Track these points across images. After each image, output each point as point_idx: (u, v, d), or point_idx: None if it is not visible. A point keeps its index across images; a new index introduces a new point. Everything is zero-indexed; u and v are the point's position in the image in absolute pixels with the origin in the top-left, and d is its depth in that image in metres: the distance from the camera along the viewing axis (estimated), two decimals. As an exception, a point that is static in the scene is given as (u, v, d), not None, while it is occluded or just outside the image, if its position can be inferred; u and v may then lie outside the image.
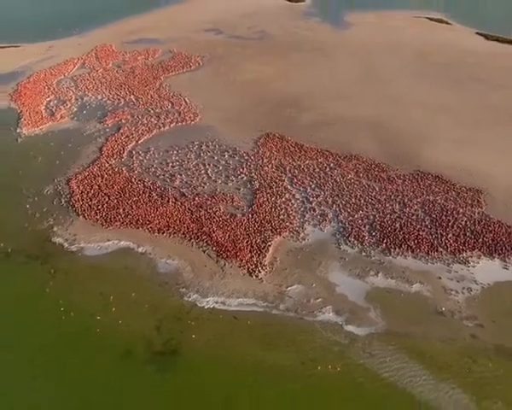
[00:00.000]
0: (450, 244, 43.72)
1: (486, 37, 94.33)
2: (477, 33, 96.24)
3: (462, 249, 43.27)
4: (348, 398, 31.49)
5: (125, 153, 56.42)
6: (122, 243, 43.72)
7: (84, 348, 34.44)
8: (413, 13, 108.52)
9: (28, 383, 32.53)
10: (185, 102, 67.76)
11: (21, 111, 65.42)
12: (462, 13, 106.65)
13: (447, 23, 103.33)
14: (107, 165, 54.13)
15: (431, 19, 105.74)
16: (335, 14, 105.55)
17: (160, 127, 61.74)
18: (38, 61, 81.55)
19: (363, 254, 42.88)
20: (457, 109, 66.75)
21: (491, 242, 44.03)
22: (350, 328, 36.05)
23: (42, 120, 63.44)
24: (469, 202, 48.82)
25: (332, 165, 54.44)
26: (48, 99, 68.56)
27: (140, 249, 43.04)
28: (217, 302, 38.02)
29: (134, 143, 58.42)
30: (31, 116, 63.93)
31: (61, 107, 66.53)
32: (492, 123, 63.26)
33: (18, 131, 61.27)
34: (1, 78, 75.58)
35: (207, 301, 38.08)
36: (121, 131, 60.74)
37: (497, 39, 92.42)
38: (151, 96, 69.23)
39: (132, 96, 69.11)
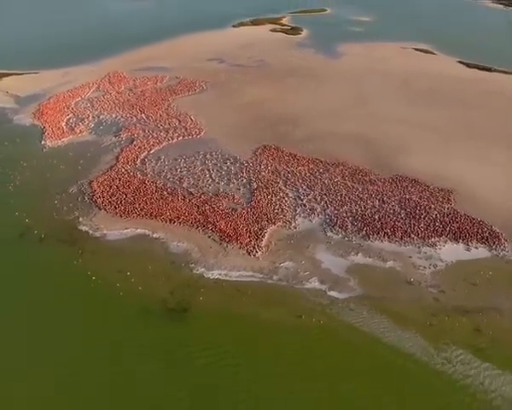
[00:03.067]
0: (422, 232, 52.91)
1: (468, 65, 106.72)
2: (459, 62, 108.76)
3: (432, 236, 52.43)
4: (328, 342, 39.87)
5: (139, 160, 66.32)
6: (139, 230, 52.87)
7: (109, 305, 43.11)
8: (401, 44, 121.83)
9: (64, 333, 40.92)
10: (191, 119, 78.47)
11: (44, 127, 75.95)
12: (446, 44, 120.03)
13: (432, 53, 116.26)
14: (123, 170, 63.91)
15: (417, 49, 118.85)
16: (328, 46, 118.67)
17: (168, 140, 72.01)
18: (56, 85, 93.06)
19: (346, 239, 51.98)
20: (436, 126, 77.27)
21: (456, 230, 53.26)
22: (332, 293, 44.71)
23: (63, 134, 73.86)
24: (440, 199, 58.34)
25: (321, 170, 64.27)
26: (67, 117, 79.31)
27: (154, 235, 52.11)
28: (220, 274, 46.80)
29: (146, 152, 68.46)
30: (53, 131, 74.40)
31: (80, 123, 77.17)
32: (465, 137, 73.63)
33: (42, 143, 71.48)
34: (23, 100, 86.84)
35: (212, 274, 46.88)
36: (134, 143, 70.98)
37: (477, 67, 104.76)
38: (160, 115, 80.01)
39: (143, 115, 79.89)
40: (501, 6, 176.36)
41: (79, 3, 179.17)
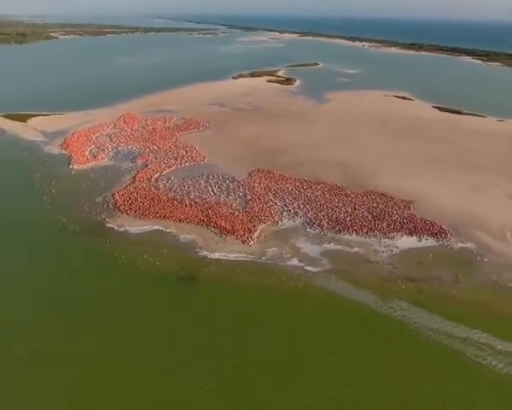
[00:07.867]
0: (384, 228, 68.39)
1: (440, 109, 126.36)
2: (433, 106, 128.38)
3: (391, 232, 67.84)
4: (303, 296, 54.29)
5: (153, 180, 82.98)
6: (154, 226, 68.42)
7: (133, 274, 57.83)
8: (383, 92, 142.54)
9: (97, 296, 55.48)
10: (196, 150, 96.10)
11: (71, 155, 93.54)
12: (424, 92, 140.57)
13: (410, 99, 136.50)
14: (139, 186, 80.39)
15: (397, 96, 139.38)
16: (318, 93, 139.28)
17: (177, 165, 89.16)
18: (78, 123, 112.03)
19: (322, 233, 67.41)
20: (404, 156, 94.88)
21: (412, 228, 68.77)
22: (308, 268, 59.53)
23: (87, 160, 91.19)
24: (402, 207, 74.31)
25: (305, 187, 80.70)
26: (90, 147, 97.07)
27: (167, 230, 67.56)
28: (220, 255, 61.82)
29: (159, 174, 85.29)
30: (79, 158, 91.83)
31: (101, 152, 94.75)
32: (429, 163, 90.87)
33: (70, 166, 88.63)
34: (51, 134, 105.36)
35: (214, 255, 61.92)
36: (148, 167, 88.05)
37: (448, 110, 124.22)
38: (169, 147, 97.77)
39: (155, 146, 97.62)
40: (480, 61, 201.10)
41: (98, 59, 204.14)
